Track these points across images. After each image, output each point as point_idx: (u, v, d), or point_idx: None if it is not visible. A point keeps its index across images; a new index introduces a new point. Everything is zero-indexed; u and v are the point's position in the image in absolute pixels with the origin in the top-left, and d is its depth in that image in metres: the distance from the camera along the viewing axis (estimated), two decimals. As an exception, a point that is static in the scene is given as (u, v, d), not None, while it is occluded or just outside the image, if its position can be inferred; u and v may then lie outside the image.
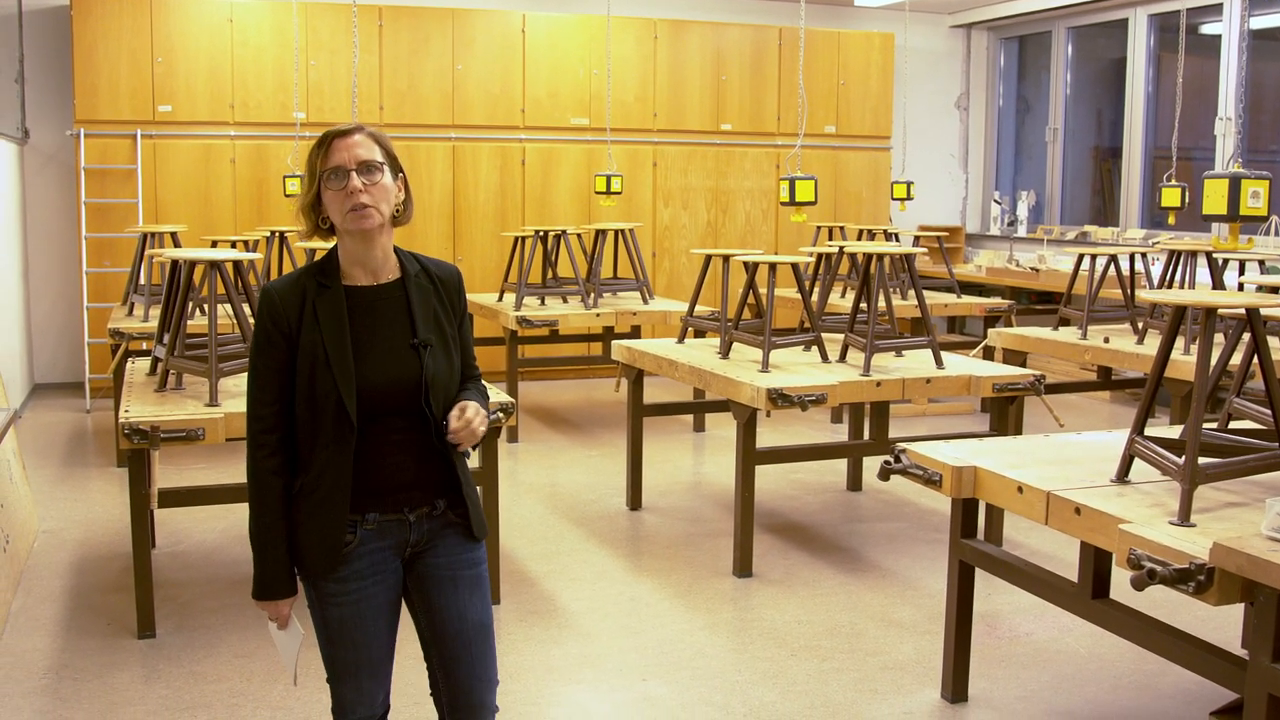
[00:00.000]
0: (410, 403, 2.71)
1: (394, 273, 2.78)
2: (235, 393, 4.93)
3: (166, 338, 5.21)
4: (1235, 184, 3.83)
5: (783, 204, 7.02)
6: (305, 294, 2.69)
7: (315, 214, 2.74)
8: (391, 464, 2.71)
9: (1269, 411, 3.59)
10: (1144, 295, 3.69)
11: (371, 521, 2.73)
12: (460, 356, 2.84)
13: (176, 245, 7.83)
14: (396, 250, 2.79)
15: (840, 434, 8.47)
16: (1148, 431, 3.68)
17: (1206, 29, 10.71)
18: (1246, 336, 3.72)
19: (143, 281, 7.68)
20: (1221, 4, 10.00)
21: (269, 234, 8.36)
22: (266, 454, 2.69)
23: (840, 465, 7.38)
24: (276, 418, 2.69)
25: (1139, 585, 2.98)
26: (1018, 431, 6.09)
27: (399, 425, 2.71)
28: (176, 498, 4.93)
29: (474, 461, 5.15)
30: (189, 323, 5.29)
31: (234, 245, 7.62)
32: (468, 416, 2.72)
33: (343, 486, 2.66)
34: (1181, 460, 3.33)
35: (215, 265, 5.23)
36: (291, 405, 2.69)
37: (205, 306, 5.56)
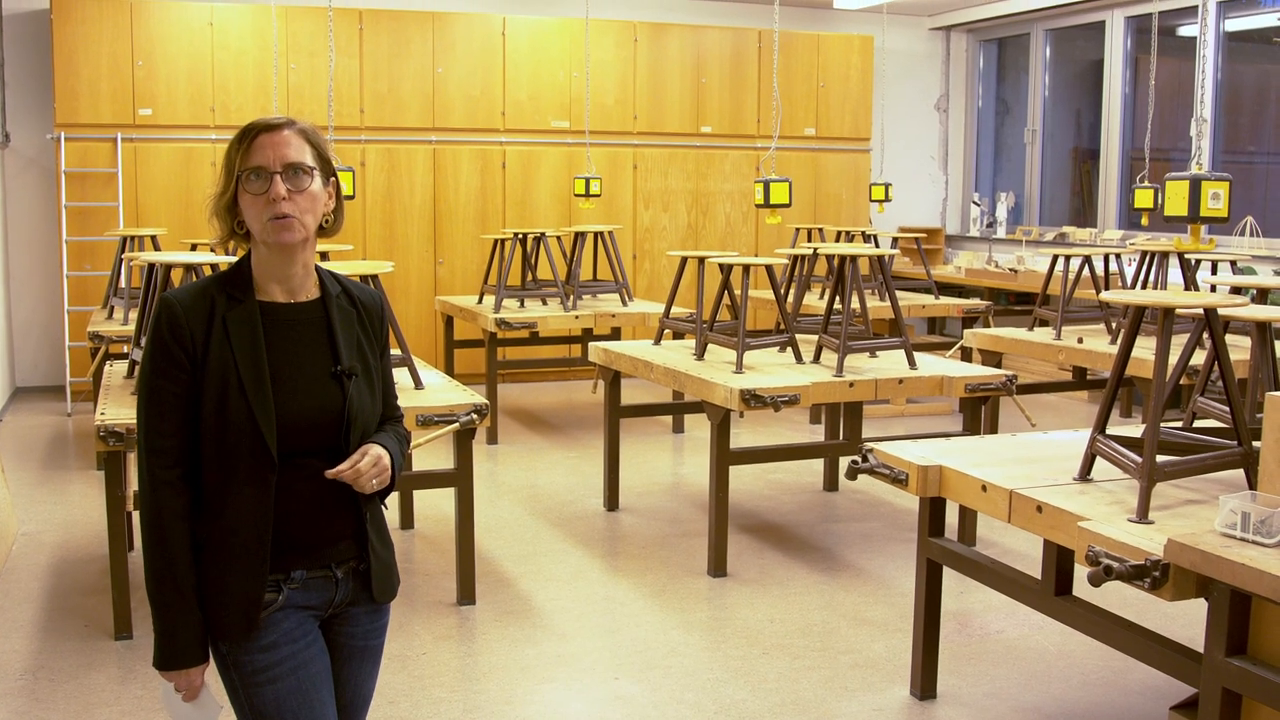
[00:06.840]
0: (330, 439, 2.39)
1: (313, 291, 2.45)
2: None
3: (143, 341, 5.24)
4: (1195, 186, 3.88)
5: (757, 206, 7.08)
6: (214, 307, 2.34)
7: (232, 216, 2.38)
8: (309, 511, 2.38)
9: (1229, 410, 3.64)
10: (1104, 296, 3.74)
11: (297, 580, 2.40)
12: (382, 393, 2.55)
13: (156, 248, 7.87)
14: (316, 267, 2.48)
15: (819, 435, 8.52)
16: (1111, 430, 3.74)
17: (1184, 31, 10.79)
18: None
19: (123, 285, 7.71)
20: (1196, 6, 10.08)
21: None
22: (171, 494, 2.31)
23: (817, 465, 7.43)
24: (180, 451, 2.32)
25: (1095, 581, 3.03)
26: (993, 431, 6.15)
27: (316, 467, 2.37)
28: (153, 500, 4.95)
29: (429, 464, 5.15)
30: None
31: (213, 249, 7.62)
32: (359, 467, 2.37)
33: (263, 534, 2.33)
34: (1140, 459, 3.39)
35: (191, 268, 5.26)
36: (194, 438, 2.33)
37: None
